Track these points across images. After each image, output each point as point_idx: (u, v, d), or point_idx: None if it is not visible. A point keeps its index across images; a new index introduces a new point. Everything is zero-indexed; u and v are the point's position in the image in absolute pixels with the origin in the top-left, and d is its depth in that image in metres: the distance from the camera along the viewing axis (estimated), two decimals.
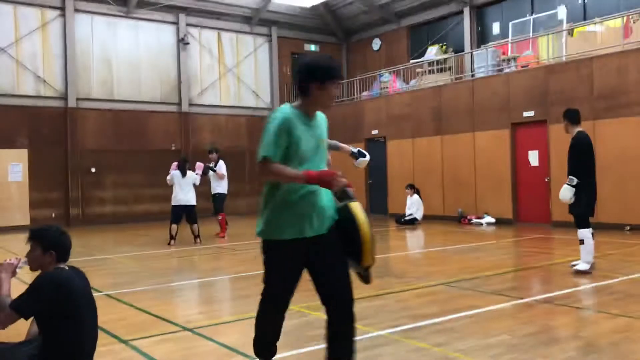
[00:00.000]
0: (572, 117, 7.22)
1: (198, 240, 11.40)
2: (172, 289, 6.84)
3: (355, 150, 6.32)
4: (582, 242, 6.89)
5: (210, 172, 12.17)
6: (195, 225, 11.46)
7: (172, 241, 11.23)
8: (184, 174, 11.43)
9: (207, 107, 19.28)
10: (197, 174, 11.63)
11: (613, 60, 11.92)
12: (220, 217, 12.27)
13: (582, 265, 6.90)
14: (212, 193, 12.37)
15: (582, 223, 6.91)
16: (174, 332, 4.81)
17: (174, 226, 11.32)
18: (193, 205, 11.47)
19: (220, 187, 12.24)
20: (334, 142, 6.45)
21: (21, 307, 3.19)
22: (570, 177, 6.87)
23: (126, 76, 17.84)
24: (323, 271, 3.26)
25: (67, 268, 3.41)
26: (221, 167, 12.20)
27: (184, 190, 11.40)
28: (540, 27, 15.01)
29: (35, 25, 16.45)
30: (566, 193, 6.89)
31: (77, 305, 3.24)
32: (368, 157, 6.33)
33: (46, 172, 16.37)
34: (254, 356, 3.51)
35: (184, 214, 11.45)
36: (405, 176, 16.03)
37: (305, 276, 3.26)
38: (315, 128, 3.29)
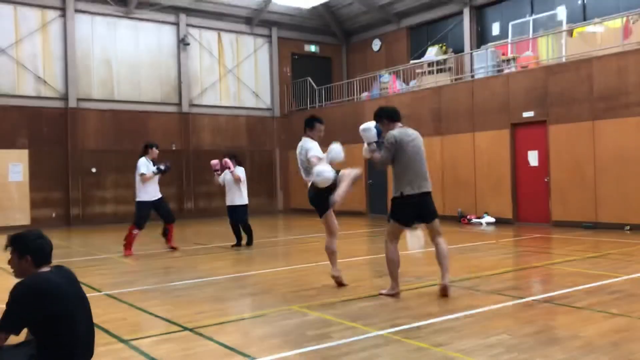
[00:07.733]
0: None
1: None
2: (172, 288, 6.84)
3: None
4: None
5: None
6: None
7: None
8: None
9: (207, 107, 19.28)
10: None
11: (613, 61, 11.92)
12: None
13: None
14: None
15: None
16: (174, 332, 4.81)
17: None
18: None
19: None
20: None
21: (5, 326, 3.09)
22: None
23: (126, 77, 17.85)
24: None
25: (48, 269, 3.33)
26: None
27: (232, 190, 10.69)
28: (540, 28, 15.01)
29: (36, 25, 16.45)
30: None
31: (64, 306, 3.18)
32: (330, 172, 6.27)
33: (47, 172, 16.38)
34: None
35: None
36: None
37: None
38: None
